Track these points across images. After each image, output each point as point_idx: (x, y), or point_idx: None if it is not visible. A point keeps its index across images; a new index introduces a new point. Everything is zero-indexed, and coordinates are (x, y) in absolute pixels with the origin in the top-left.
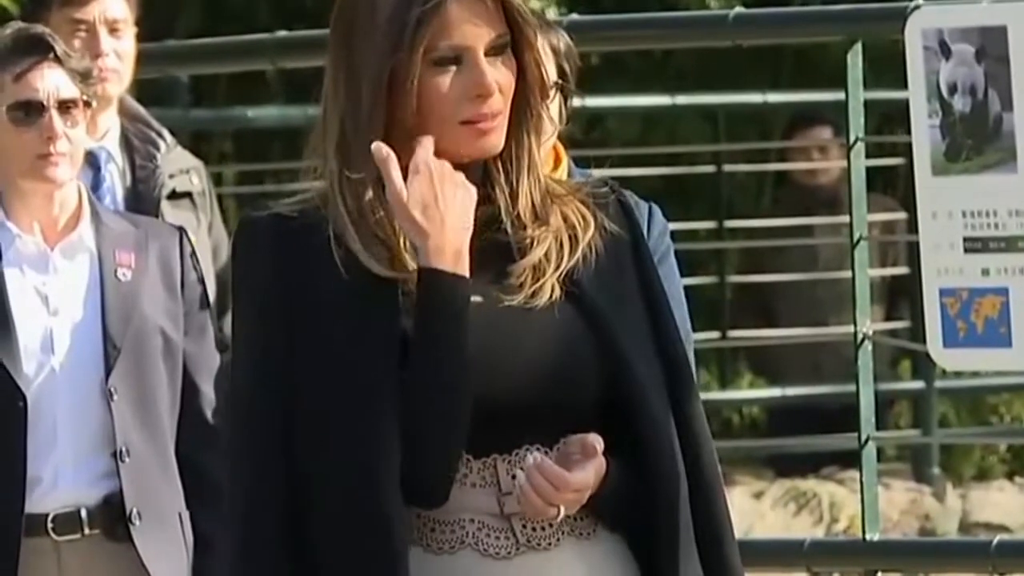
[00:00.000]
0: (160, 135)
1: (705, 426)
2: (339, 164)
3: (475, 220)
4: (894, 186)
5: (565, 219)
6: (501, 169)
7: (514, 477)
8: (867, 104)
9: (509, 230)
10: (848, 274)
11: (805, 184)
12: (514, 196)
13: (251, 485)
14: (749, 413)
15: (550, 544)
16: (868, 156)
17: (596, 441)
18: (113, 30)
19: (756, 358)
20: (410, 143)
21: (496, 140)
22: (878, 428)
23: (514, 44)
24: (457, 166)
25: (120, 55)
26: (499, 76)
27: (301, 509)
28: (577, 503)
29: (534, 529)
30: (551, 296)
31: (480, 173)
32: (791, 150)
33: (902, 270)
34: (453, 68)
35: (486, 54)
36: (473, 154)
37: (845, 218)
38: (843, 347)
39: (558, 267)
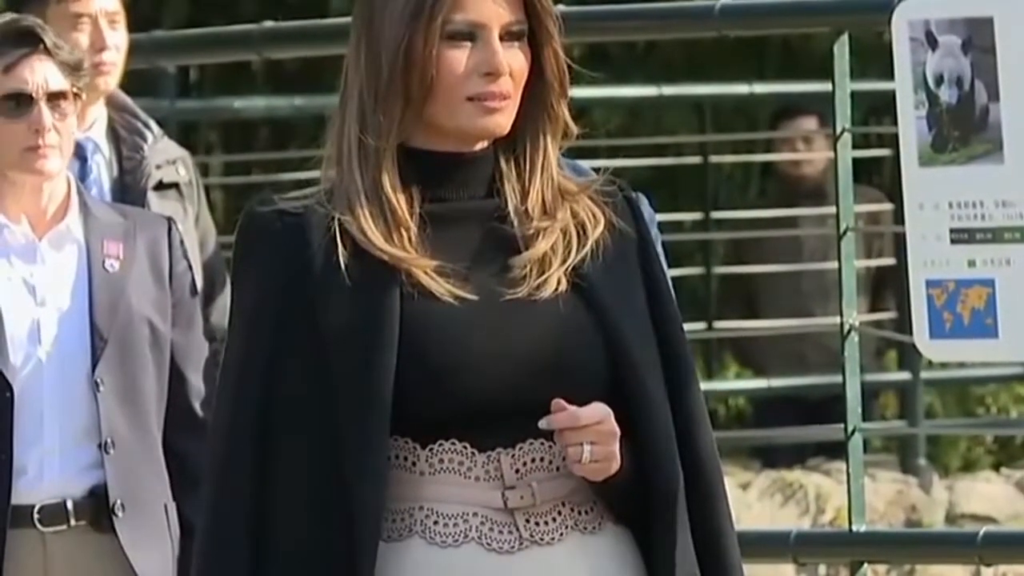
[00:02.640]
0: (147, 126)
1: (706, 421)
2: (358, 133)
3: (480, 211)
4: (880, 177)
5: (575, 215)
6: (513, 167)
7: (517, 471)
8: (853, 95)
9: (515, 224)
10: (833, 265)
11: (790, 175)
12: (524, 194)
13: (221, 475)
14: (735, 404)
15: (553, 539)
16: (855, 147)
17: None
18: (112, 22)
19: (741, 349)
20: (421, 115)
21: (502, 121)
22: (864, 419)
23: (533, 36)
24: (466, 155)
25: (118, 48)
26: (512, 60)
27: (270, 499)
28: (611, 435)
29: (537, 524)
30: (556, 288)
31: (489, 165)
32: (777, 141)
33: (888, 261)
34: (467, 45)
35: (502, 38)
36: (477, 132)
37: (831, 209)
38: (827, 338)
39: (565, 260)
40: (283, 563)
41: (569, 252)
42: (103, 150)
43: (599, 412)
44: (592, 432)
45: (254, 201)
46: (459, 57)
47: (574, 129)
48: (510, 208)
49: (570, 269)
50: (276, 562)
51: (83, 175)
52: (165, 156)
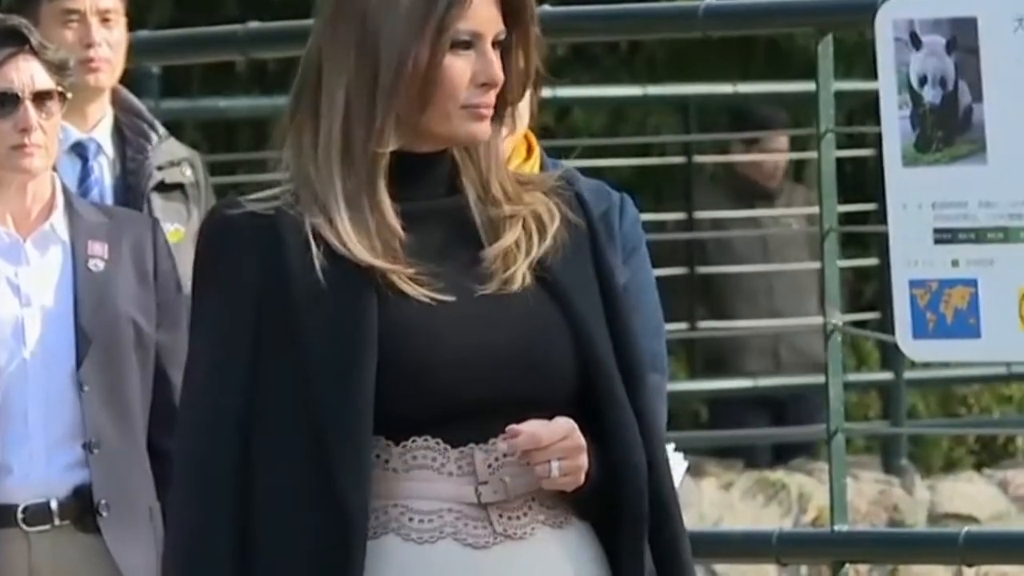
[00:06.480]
0: (152, 127)
1: (658, 420)
2: (343, 139)
3: (445, 208)
4: (863, 178)
5: (532, 210)
6: (470, 163)
7: (489, 466)
8: (838, 95)
9: (478, 219)
10: (804, 265)
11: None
12: (485, 186)
13: (204, 472)
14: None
15: (525, 533)
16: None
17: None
18: (104, 20)
19: (719, 349)
20: (411, 119)
21: (488, 128)
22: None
23: (507, 40)
24: (428, 155)
25: (111, 45)
26: (500, 69)
27: (254, 500)
28: (577, 449)
29: (510, 518)
30: (523, 283)
31: (448, 163)
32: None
33: (871, 261)
34: (468, 53)
35: (491, 46)
36: (465, 138)
37: (796, 210)
38: (797, 337)
39: (528, 255)
40: (270, 561)
41: (531, 246)
42: (106, 151)
43: (563, 428)
44: (558, 449)
45: (220, 204)
46: (462, 66)
47: (531, 116)
48: (473, 203)
49: (534, 263)
50: (262, 559)
51: (85, 175)
52: (169, 157)
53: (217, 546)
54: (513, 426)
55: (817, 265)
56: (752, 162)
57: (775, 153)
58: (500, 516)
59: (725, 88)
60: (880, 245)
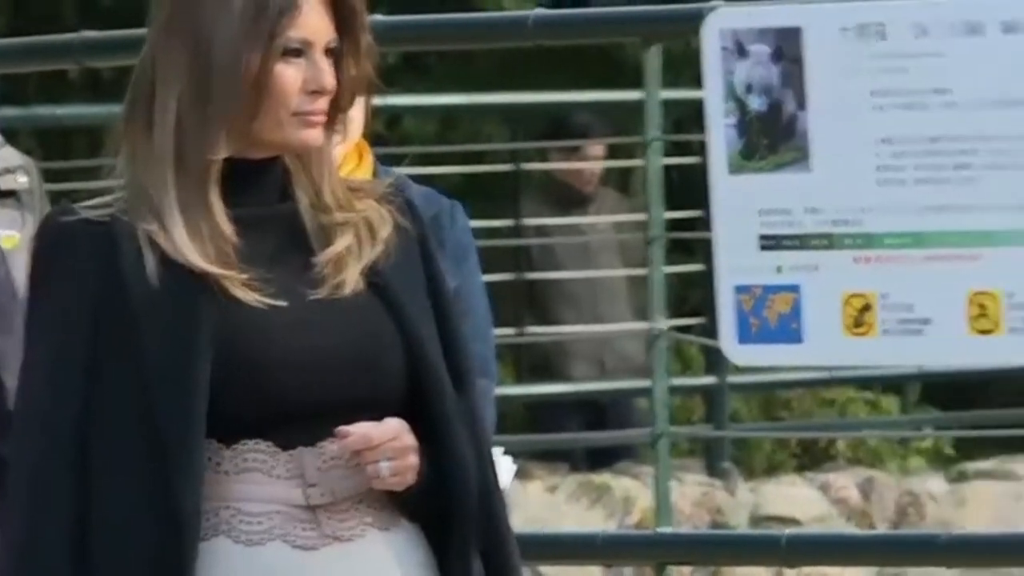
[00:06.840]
0: None
1: (486, 423)
2: (176, 146)
3: (278, 215)
4: (690, 185)
5: (364, 216)
6: (303, 168)
7: (318, 468)
8: (665, 103)
9: (309, 226)
10: (621, 271)
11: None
12: (318, 193)
13: (38, 477)
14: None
15: (353, 535)
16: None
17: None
18: None
19: (545, 354)
20: (243, 126)
21: (320, 135)
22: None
23: (339, 48)
24: (260, 161)
25: None
26: (331, 77)
27: (90, 506)
28: (407, 449)
29: (340, 521)
30: (355, 288)
31: (280, 169)
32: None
33: (697, 267)
34: (299, 61)
35: (323, 52)
36: (297, 145)
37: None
38: (620, 342)
39: (360, 260)
40: (103, 566)
41: (363, 252)
42: None
43: (393, 428)
44: (388, 449)
45: (54, 211)
46: (293, 74)
47: (362, 124)
48: (305, 209)
49: (366, 268)
50: (97, 565)
51: None
52: (3, 164)
53: (51, 554)
54: (343, 427)
55: (634, 271)
56: (571, 169)
57: (595, 160)
58: (328, 518)
59: (554, 97)
60: (706, 251)
